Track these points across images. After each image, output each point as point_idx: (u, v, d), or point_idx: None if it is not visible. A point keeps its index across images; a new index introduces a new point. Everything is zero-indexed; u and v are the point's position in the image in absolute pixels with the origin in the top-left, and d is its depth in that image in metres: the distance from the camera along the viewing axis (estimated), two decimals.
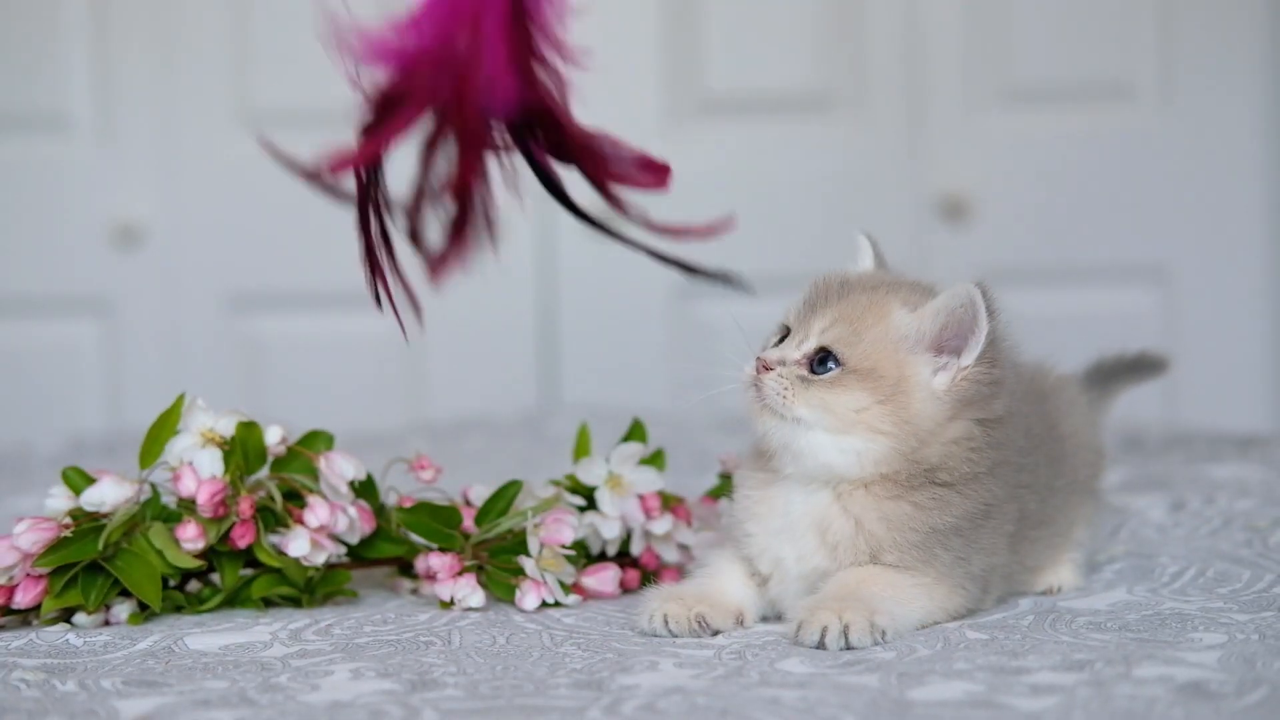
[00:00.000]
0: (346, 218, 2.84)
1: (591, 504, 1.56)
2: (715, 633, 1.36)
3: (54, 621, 1.43)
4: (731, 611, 1.39)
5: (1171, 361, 1.74)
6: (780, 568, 1.39)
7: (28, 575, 1.41)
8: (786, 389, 1.35)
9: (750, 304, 3.02)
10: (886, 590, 1.33)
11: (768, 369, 1.37)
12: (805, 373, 1.35)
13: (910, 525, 1.35)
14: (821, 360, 1.36)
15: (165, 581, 1.46)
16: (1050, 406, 1.52)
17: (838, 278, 1.42)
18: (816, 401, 1.34)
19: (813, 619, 1.30)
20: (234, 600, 1.48)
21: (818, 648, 1.29)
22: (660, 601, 1.37)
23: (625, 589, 1.54)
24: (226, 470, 1.46)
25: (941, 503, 1.35)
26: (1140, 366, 1.72)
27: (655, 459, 1.58)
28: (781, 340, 1.40)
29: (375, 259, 1.30)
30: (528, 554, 1.47)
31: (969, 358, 1.35)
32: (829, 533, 1.37)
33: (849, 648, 1.28)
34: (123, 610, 1.44)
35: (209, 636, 1.37)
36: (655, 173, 1.34)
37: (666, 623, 1.35)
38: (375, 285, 1.33)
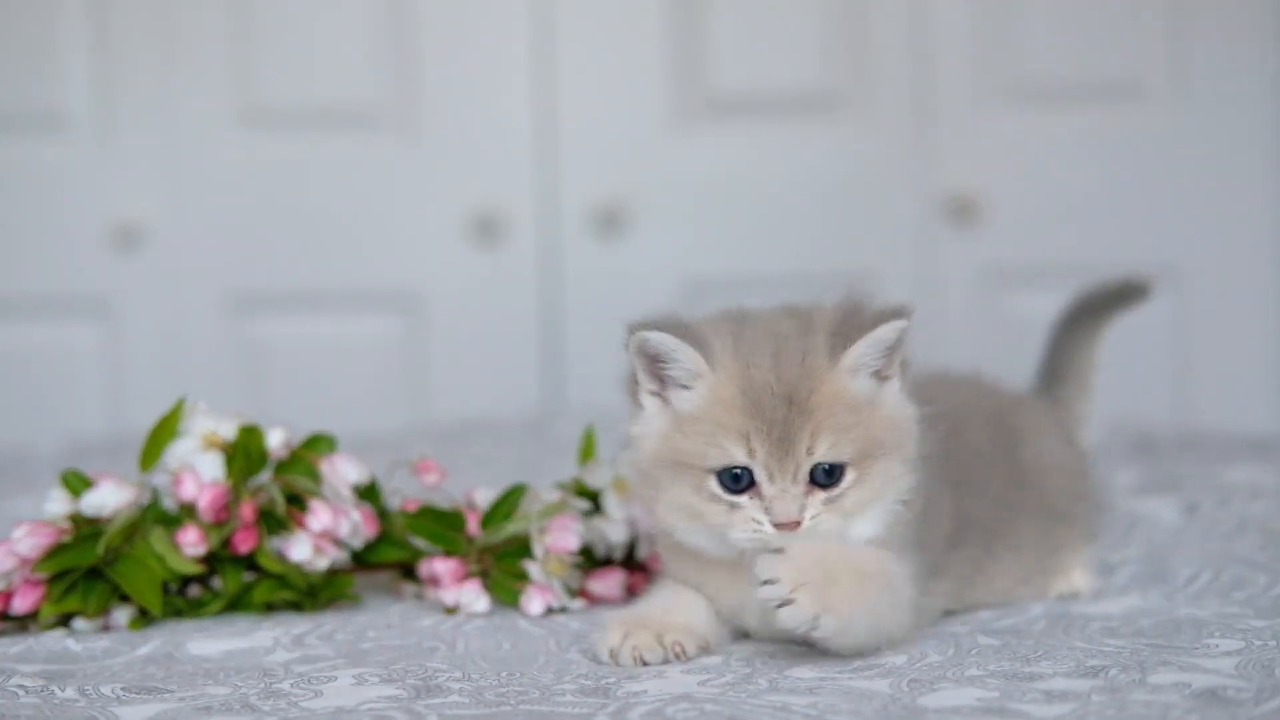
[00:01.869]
0: (352, 219, 2.88)
1: (597, 507, 1.54)
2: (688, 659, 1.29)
3: (53, 627, 1.42)
4: (699, 639, 1.31)
5: (1154, 285, 1.66)
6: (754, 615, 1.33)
7: (26, 580, 1.40)
8: (825, 520, 1.27)
9: (758, 304, 2.98)
10: (872, 589, 1.26)
11: (798, 524, 1.26)
12: (821, 495, 1.27)
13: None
14: (825, 471, 1.27)
15: (166, 587, 1.44)
16: (1006, 425, 1.49)
17: (763, 393, 1.27)
18: (855, 505, 1.28)
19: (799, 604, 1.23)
20: (235, 605, 1.47)
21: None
22: (624, 634, 1.29)
23: (631, 593, 1.52)
24: (228, 474, 1.45)
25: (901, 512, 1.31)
26: (1125, 294, 1.66)
27: None
28: (743, 483, 1.27)
29: None
30: (533, 558, 1.46)
31: (903, 351, 1.30)
32: None
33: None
34: (123, 616, 1.43)
35: (210, 642, 1.36)
36: None
37: (637, 655, 1.28)
38: None
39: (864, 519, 1.29)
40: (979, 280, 3.05)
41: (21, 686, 1.23)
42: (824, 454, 1.26)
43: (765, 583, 1.23)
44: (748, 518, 1.26)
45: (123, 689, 1.22)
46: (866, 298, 1.32)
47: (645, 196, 3.09)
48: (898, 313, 1.29)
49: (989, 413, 1.49)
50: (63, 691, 1.22)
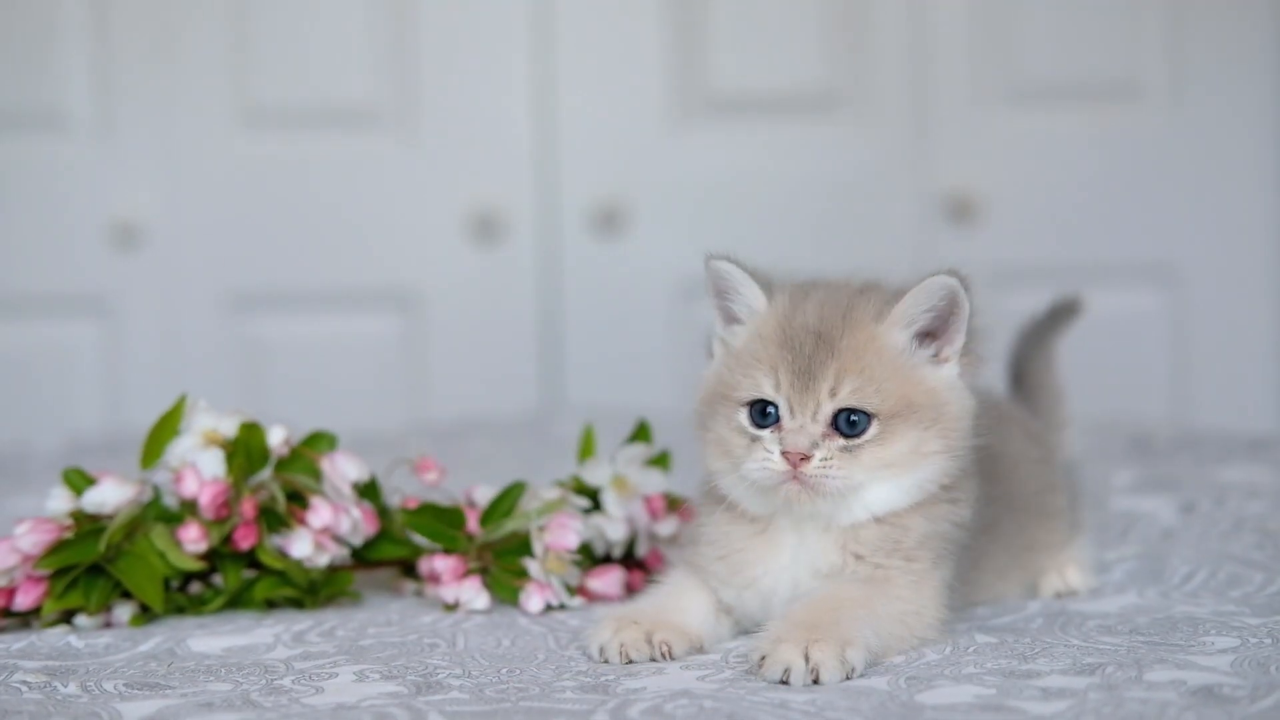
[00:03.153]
0: (351, 218, 2.88)
1: (596, 505, 1.55)
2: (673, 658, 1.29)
3: (55, 623, 1.42)
4: (691, 639, 1.31)
5: (1083, 300, 1.68)
6: (770, 602, 1.32)
7: (28, 577, 1.41)
8: (838, 468, 1.26)
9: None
10: (863, 616, 1.25)
11: (806, 459, 1.26)
12: (840, 440, 1.27)
13: (919, 532, 1.31)
14: (850, 420, 1.27)
15: (167, 583, 1.45)
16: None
17: (799, 330, 1.30)
18: (873, 462, 1.27)
19: (776, 653, 1.20)
20: (236, 602, 1.47)
21: (780, 682, 1.19)
22: (614, 630, 1.29)
23: (631, 591, 1.53)
24: (229, 471, 1.45)
25: (947, 507, 1.33)
26: (1059, 315, 1.68)
27: (660, 460, 1.57)
28: (770, 420, 1.29)
29: None
30: (533, 556, 1.47)
31: (960, 339, 1.32)
32: (823, 567, 1.31)
33: (817, 683, 1.19)
34: (124, 612, 1.43)
35: (211, 638, 1.36)
36: None
37: (624, 652, 1.28)
38: None
39: (885, 485, 1.28)
40: (978, 279, 3.05)
41: (24, 683, 1.23)
42: (846, 398, 1.27)
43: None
44: (762, 449, 1.27)
45: (125, 685, 1.23)
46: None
47: (644, 196, 3.09)
48: (950, 272, 1.30)
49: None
50: (65, 688, 1.22)
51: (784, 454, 1.26)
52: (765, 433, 1.28)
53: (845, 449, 1.27)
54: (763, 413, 1.29)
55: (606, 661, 1.28)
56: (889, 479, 1.28)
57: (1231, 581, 1.48)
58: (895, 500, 1.30)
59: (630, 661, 1.27)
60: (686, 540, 1.40)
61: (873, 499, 1.29)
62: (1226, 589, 1.46)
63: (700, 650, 1.31)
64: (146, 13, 3.04)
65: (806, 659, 1.19)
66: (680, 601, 1.34)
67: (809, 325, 1.30)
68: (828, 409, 1.27)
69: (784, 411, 1.27)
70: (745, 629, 1.34)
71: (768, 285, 1.35)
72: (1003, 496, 1.44)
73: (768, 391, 1.29)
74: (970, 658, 1.25)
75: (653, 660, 1.28)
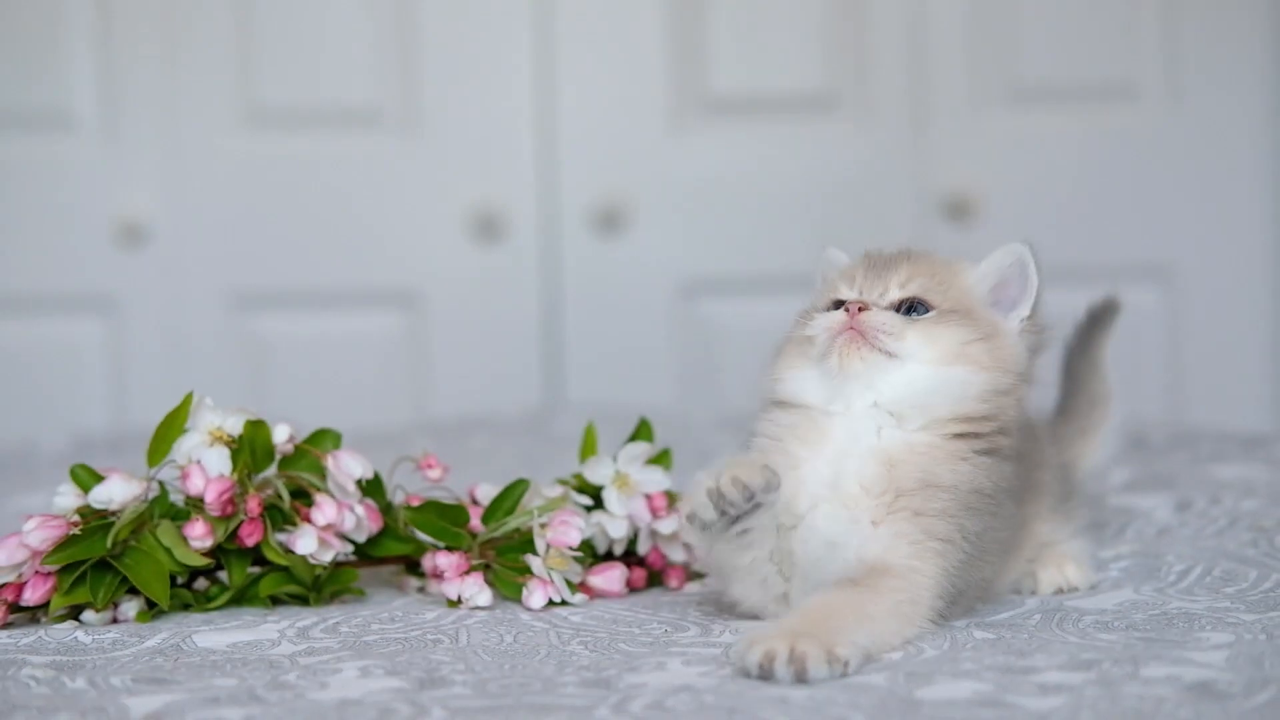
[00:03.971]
0: (354, 217, 2.90)
1: (598, 503, 1.56)
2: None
3: (62, 619, 1.43)
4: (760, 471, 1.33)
5: (1120, 299, 1.74)
6: (811, 494, 1.35)
7: (36, 573, 1.42)
8: (890, 325, 1.35)
9: (753, 305, 3.03)
10: (856, 618, 1.26)
11: (864, 308, 1.35)
12: (900, 315, 1.36)
13: (953, 480, 1.34)
14: (910, 309, 1.37)
15: (173, 579, 1.46)
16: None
17: (888, 250, 1.42)
18: (923, 335, 1.35)
19: (756, 645, 1.20)
20: (242, 598, 1.48)
21: (760, 678, 1.19)
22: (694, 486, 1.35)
23: (631, 588, 1.54)
24: (234, 469, 1.46)
25: (989, 469, 1.36)
26: (1097, 318, 1.72)
27: (662, 458, 1.58)
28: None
29: None
30: (535, 553, 1.48)
31: (1026, 309, 1.40)
32: (864, 478, 1.34)
33: (802, 681, 1.18)
34: (131, 608, 1.44)
35: (217, 634, 1.37)
36: None
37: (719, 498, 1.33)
38: None
39: (925, 366, 1.35)
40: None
41: (33, 677, 1.24)
42: (913, 289, 1.37)
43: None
44: (828, 315, 1.37)
45: (131, 680, 1.24)
46: None
47: (644, 196, 3.10)
48: (1024, 242, 1.40)
49: None
50: (73, 682, 1.23)
51: (845, 307, 1.36)
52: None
53: (902, 318, 1.36)
54: (836, 307, 1.38)
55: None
56: (931, 360, 1.35)
57: (1226, 578, 1.50)
58: (932, 386, 1.35)
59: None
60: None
61: (906, 375, 1.35)
62: (1221, 586, 1.48)
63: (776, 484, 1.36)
64: (151, 13, 3.05)
65: (792, 651, 1.19)
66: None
67: (896, 247, 1.42)
68: (895, 294, 1.37)
69: (854, 295, 1.38)
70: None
71: None
72: (1034, 497, 1.49)
73: (844, 293, 1.39)
74: (968, 654, 1.26)
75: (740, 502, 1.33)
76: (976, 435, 1.37)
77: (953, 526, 1.34)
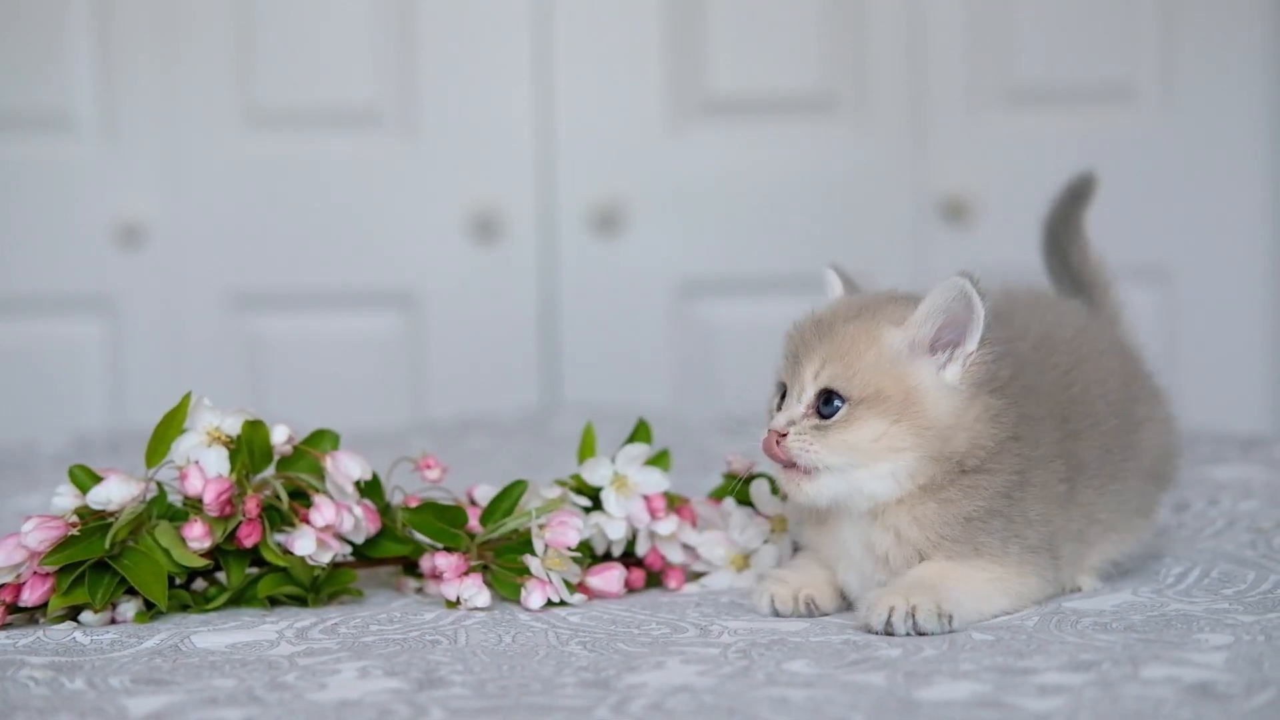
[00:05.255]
0: (352, 217, 2.89)
1: (597, 504, 1.56)
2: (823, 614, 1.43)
3: (61, 619, 1.43)
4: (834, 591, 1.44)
5: (1097, 177, 1.73)
6: (849, 590, 1.44)
7: (35, 573, 1.42)
8: (809, 444, 1.35)
9: (751, 305, 3.04)
10: (959, 583, 1.36)
11: (783, 435, 1.36)
12: (817, 420, 1.36)
13: (942, 521, 1.37)
14: (827, 401, 1.36)
15: (172, 580, 1.46)
16: (1125, 362, 1.56)
17: (812, 320, 1.40)
18: (839, 444, 1.35)
19: (879, 603, 1.33)
20: (240, 599, 1.48)
21: (884, 632, 1.32)
22: (770, 583, 1.44)
23: (630, 589, 1.54)
24: (233, 469, 1.46)
25: (969, 490, 1.37)
26: (1079, 193, 1.73)
27: (660, 459, 1.58)
28: (782, 398, 1.40)
29: None
30: (533, 554, 1.48)
31: (973, 343, 1.37)
32: (876, 549, 1.40)
33: (918, 632, 1.31)
34: (129, 609, 1.44)
35: (215, 635, 1.37)
36: None
37: (774, 603, 1.42)
38: None
39: (863, 471, 1.36)
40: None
41: (32, 678, 1.24)
42: (826, 379, 1.36)
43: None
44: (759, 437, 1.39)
45: (130, 681, 1.23)
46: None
47: (642, 196, 3.10)
48: (962, 274, 1.38)
49: (1106, 345, 1.56)
50: (71, 683, 1.23)
51: (769, 433, 1.37)
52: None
53: (818, 428, 1.35)
54: (782, 395, 1.39)
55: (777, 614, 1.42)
56: (849, 466, 1.36)
57: (1225, 580, 1.50)
58: (870, 485, 1.37)
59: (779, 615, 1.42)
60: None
61: (840, 481, 1.37)
62: (1220, 587, 1.48)
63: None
64: (151, 14, 3.05)
65: (907, 601, 1.31)
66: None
67: (817, 316, 1.40)
68: (811, 391, 1.36)
69: (787, 393, 1.38)
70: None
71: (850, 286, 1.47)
72: (1134, 451, 1.50)
73: (780, 375, 1.40)
74: (967, 654, 1.26)
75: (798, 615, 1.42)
76: (957, 472, 1.38)
77: (996, 538, 1.38)
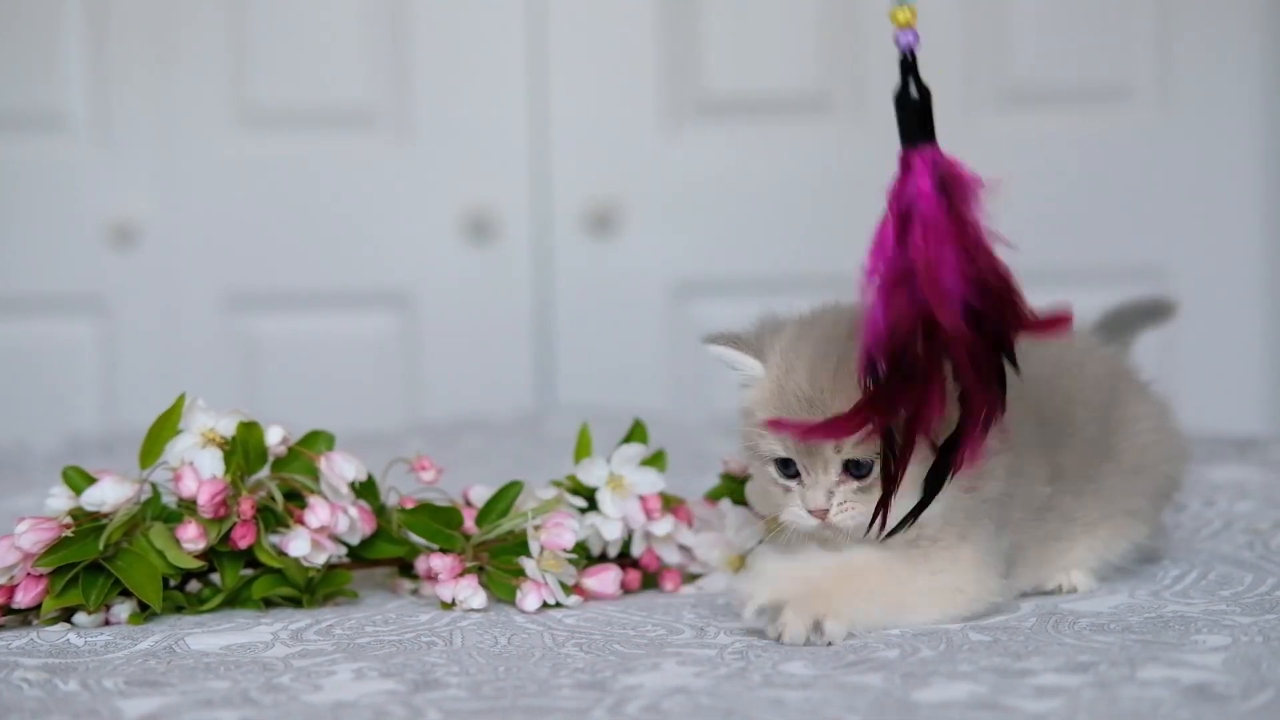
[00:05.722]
0: (346, 218, 2.87)
1: (592, 505, 1.55)
2: None
3: (54, 621, 1.43)
4: None
5: (1178, 305, 1.80)
6: None
7: (28, 575, 1.41)
8: (853, 508, 1.36)
9: (747, 306, 3.03)
10: (865, 591, 1.35)
11: (826, 511, 1.36)
12: (853, 484, 1.36)
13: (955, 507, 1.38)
14: (856, 464, 1.36)
15: (166, 581, 1.45)
16: (1107, 375, 1.56)
17: (793, 399, 1.36)
18: (869, 499, 1.36)
19: (781, 617, 1.32)
20: (234, 600, 1.48)
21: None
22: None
23: (626, 590, 1.54)
24: (227, 470, 1.46)
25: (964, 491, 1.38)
26: (1152, 312, 1.78)
27: (656, 460, 1.58)
28: (792, 470, 1.37)
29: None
30: (529, 555, 1.47)
31: None
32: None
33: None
34: (123, 610, 1.44)
35: (210, 637, 1.37)
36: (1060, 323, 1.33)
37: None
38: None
39: (906, 502, 1.35)
40: None
41: (25, 680, 1.24)
42: (849, 451, 1.35)
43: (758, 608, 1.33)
44: (796, 500, 1.37)
45: (124, 683, 1.23)
46: None
47: (637, 197, 3.10)
48: None
49: (1088, 355, 1.56)
50: (65, 685, 1.23)
51: (813, 513, 1.36)
52: (794, 484, 1.38)
53: (859, 490, 1.36)
54: (785, 465, 1.38)
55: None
56: (897, 505, 1.35)
57: (1222, 581, 1.50)
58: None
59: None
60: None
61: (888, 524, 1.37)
62: (1217, 588, 1.48)
63: None
64: (144, 14, 3.05)
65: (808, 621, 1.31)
66: None
67: (802, 393, 1.36)
68: (836, 464, 1.35)
69: (801, 469, 1.37)
70: None
71: (759, 351, 1.41)
72: (1114, 451, 1.50)
73: (780, 452, 1.37)
74: (964, 655, 1.26)
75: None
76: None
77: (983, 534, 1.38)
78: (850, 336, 1.37)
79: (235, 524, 1.45)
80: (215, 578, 1.49)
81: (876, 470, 1.35)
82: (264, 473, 1.49)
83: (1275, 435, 2.77)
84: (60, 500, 1.46)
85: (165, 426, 1.47)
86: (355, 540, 1.50)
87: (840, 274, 3.27)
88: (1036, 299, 1.76)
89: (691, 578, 1.57)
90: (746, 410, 1.42)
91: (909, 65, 1.40)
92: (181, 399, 1.48)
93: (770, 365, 1.40)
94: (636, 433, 1.60)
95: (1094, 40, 3.11)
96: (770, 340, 1.42)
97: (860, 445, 1.34)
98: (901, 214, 1.38)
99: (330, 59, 3.08)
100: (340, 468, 1.49)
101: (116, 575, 1.42)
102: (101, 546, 1.41)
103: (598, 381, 3.09)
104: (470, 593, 1.47)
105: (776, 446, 1.37)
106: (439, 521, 1.52)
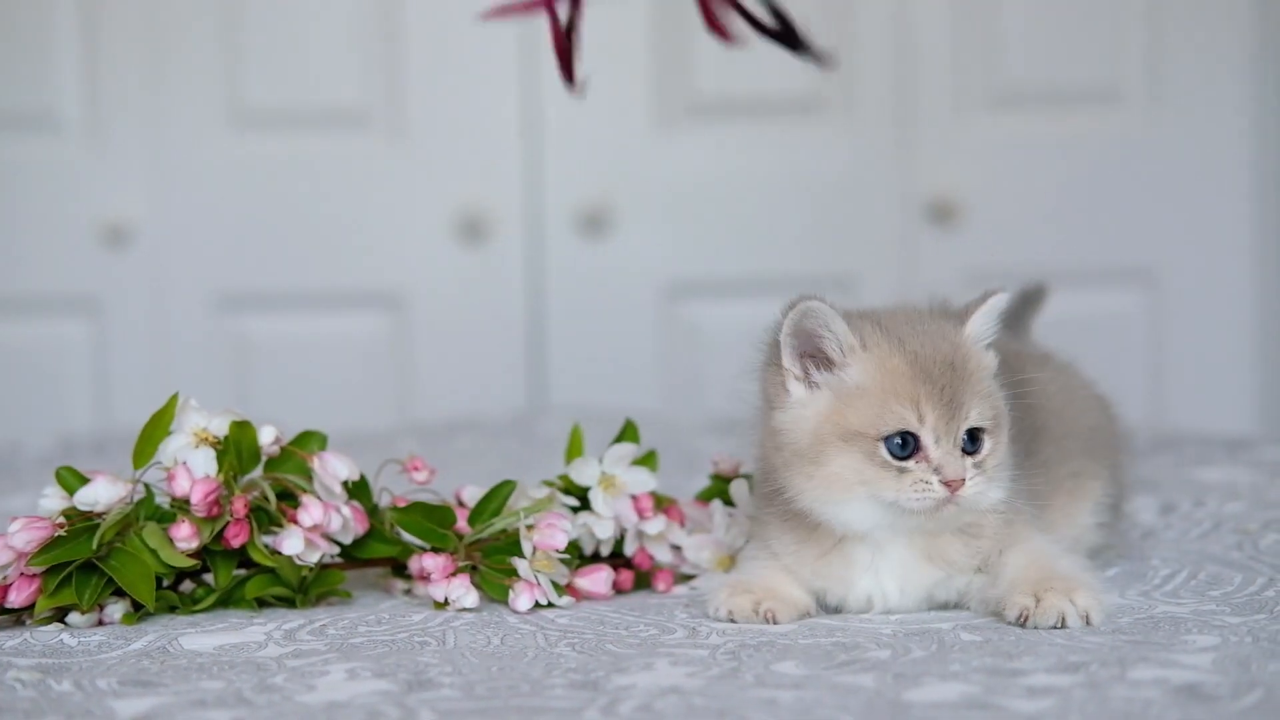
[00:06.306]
0: (339, 218, 2.84)
1: (585, 504, 1.56)
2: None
3: (48, 621, 1.43)
4: (798, 608, 1.43)
5: (1051, 288, 1.80)
6: (872, 602, 1.43)
7: (22, 574, 1.41)
8: (981, 484, 1.37)
9: (738, 307, 3.02)
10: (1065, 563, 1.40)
11: (964, 482, 1.36)
12: (970, 459, 1.37)
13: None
14: (970, 438, 1.37)
15: (159, 581, 1.45)
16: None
17: (933, 363, 1.36)
18: (992, 471, 1.38)
19: (1045, 605, 1.34)
20: (228, 600, 1.48)
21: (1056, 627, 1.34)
22: (728, 594, 1.42)
23: (618, 590, 1.54)
24: (220, 470, 1.46)
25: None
26: (1032, 298, 1.78)
27: (648, 460, 1.58)
28: (909, 449, 1.35)
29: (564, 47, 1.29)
30: (521, 555, 1.48)
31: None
32: (946, 553, 1.41)
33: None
34: (116, 610, 1.44)
35: (203, 636, 1.37)
36: None
37: (731, 616, 1.40)
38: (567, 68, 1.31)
39: (997, 485, 1.38)
40: (960, 282, 3.06)
41: (19, 680, 1.24)
42: (974, 419, 1.36)
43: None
44: (917, 479, 1.35)
45: (118, 683, 1.23)
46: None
47: (630, 198, 3.10)
48: (999, 289, 1.41)
49: (1042, 360, 1.61)
50: (59, 685, 1.23)
51: (945, 483, 1.35)
52: (911, 463, 1.36)
53: (975, 464, 1.37)
54: (901, 444, 1.36)
55: (732, 620, 1.40)
56: (998, 479, 1.39)
57: (1211, 582, 1.50)
58: (1001, 495, 1.40)
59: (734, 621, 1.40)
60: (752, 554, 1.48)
61: (993, 498, 1.40)
62: (1207, 589, 1.48)
63: (809, 614, 1.43)
64: (136, 14, 3.04)
65: (1074, 604, 1.34)
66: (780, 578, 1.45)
67: (942, 357, 1.37)
68: (963, 432, 1.36)
69: (928, 441, 1.35)
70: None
71: (855, 323, 1.40)
72: (1045, 429, 1.52)
73: (911, 424, 1.35)
74: (956, 656, 1.26)
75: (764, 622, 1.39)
76: None
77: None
78: (934, 316, 1.43)
79: (228, 523, 1.45)
80: (208, 577, 1.49)
81: (986, 445, 1.36)
82: (257, 472, 1.49)
83: (1265, 436, 2.77)
84: (53, 500, 1.46)
85: (158, 426, 1.47)
86: (348, 539, 1.51)
87: (832, 273, 3.28)
88: None
89: (684, 578, 1.58)
90: (852, 390, 1.36)
91: None
92: (174, 399, 1.48)
93: (874, 340, 1.37)
94: (628, 433, 1.60)
95: (1084, 42, 3.11)
96: (853, 316, 1.41)
97: (983, 413, 1.36)
98: None
99: (322, 60, 3.08)
100: (333, 467, 1.49)
101: (110, 575, 1.42)
102: (95, 546, 1.41)
103: (590, 382, 3.09)
104: (463, 592, 1.47)
105: (906, 418, 1.34)
106: (432, 521, 1.52)
